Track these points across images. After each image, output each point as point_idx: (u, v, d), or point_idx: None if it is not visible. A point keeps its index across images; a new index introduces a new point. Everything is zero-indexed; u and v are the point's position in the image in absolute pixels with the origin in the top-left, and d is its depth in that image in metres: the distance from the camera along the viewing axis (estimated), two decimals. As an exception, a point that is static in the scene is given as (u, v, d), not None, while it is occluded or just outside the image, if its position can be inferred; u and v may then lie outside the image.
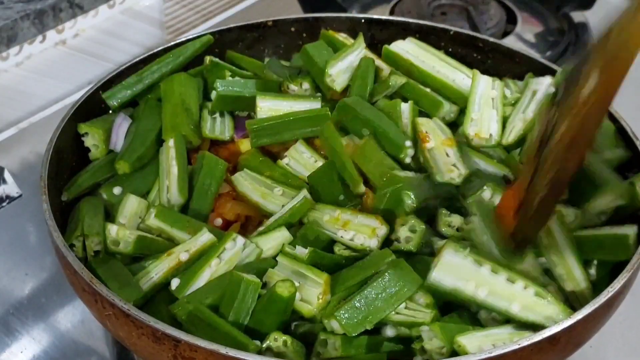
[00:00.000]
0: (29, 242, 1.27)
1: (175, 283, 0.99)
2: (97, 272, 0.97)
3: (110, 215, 1.08)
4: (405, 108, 1.16)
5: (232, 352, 0.84)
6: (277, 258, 0.99)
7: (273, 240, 1.03)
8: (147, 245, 1.03)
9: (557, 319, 0.91)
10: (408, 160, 1.10)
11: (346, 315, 0.91)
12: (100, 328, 1.13)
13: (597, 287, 0.98)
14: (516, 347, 0.85)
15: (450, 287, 0.94)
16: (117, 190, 1.10)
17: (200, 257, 1.00)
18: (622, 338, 1.14)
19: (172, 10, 1.70)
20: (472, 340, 0.90)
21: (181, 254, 1.00)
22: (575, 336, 0.91)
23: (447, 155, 1.09)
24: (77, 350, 1.14)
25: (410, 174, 1.08)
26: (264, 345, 0.90)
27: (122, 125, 1.17)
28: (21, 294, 1.20)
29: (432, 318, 0.94)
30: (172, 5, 1.70)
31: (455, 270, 0.94)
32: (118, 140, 1.16)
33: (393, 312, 0.94)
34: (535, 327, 0.92)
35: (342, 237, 1.03)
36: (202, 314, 0.92)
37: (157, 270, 1.00)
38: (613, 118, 1.14)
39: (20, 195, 1.29)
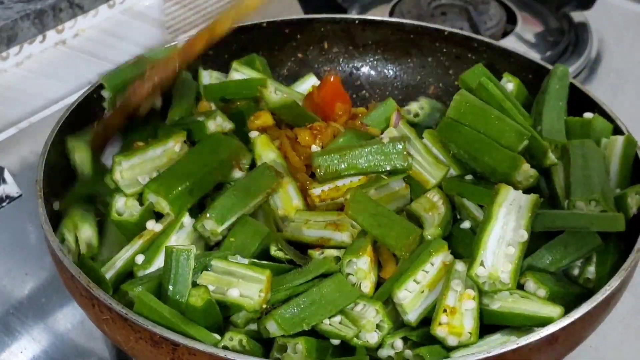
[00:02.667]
0: (29, 242, 1.27)
1: (140, 259, 1.00)
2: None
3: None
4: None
5: (230, 355, 0.84)
6: (212, 262, 0.96)
7: None
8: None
9: (545, 312, 0.92)
10: None
11: (283, 314, 0.91)
12: (100, 328, 1.13)
13: (596, 285, 0.99)
14: (514, 346, 0.86)
15: None
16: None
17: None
18: (622, 338, 1.14)
19: (172, 10, 1.70)
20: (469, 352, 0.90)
21: (155, 226, 1.02)
22: (573, 334, 0.92)
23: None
24: (77, 350, 1.14)
25: None
26: (221, 345, 0.89)
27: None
28: (21, 294, 1.20)
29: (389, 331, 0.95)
30: (172, 5, 1.70)
31: None
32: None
33: (332, 322, 0.94)
34: (524, 327, 0.93)
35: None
36: (148, 299, 0.90)
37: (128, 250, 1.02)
38: (610, 118, 1.14)
39: (20, 195, 1.29)
